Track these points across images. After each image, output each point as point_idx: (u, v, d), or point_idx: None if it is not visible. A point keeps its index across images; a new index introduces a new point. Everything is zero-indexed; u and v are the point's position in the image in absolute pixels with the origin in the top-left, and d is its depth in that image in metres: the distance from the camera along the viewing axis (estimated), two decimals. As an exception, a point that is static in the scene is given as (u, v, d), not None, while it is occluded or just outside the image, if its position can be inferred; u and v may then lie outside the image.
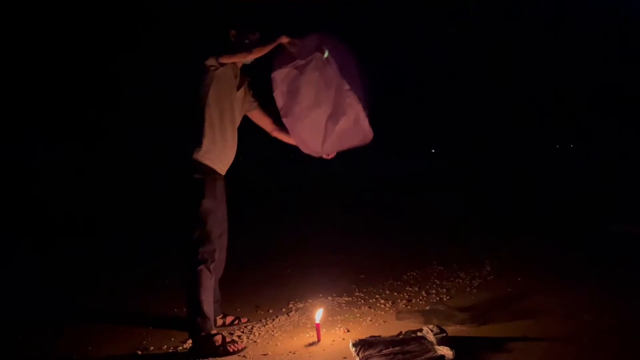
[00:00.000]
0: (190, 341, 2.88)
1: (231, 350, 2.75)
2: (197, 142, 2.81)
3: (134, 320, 3.38)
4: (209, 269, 2.81)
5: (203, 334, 2.77)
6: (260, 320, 3.32)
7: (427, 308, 3.38)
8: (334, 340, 2.92)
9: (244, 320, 3.22)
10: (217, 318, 3.10)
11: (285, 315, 3.39)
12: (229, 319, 3.20)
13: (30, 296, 4.05)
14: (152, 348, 2.92)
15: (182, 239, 2.89)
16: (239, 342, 2.84)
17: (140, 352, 2.87)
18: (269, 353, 2.78)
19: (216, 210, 2.88)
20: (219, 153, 2.87)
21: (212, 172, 2.86)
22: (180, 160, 2.85)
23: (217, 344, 2.75)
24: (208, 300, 2.82)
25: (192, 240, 2.82)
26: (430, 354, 2.46)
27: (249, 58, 2.88)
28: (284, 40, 2.82)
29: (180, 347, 2.92)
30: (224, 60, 2.80)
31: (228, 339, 2.82)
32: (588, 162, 10.37)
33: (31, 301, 3.92)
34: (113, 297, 3.97)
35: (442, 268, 4.28)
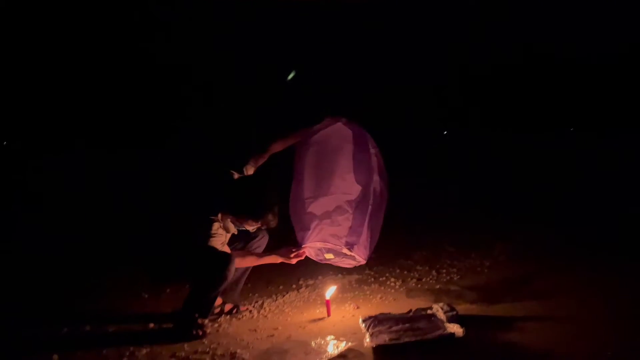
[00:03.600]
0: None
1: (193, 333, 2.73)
2: None
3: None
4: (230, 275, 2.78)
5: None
6: (271, 296, 3.35)
7: (438, 287, 3.38)
8: (343, 317, 2.94)
9: (243, 308, 3.13)
10: (215, 304, 2.99)
11: (296, 292, 3.41)
12: (227, 307, 3.11)
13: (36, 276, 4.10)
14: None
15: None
16: (205, 328, 2.78)
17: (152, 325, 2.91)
18: (279, 327, 2.81)
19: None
20: None
21: None
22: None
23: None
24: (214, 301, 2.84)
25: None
26: (440, 332, 2.47)
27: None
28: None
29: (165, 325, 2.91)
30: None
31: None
32: (605, 146, 10.15)
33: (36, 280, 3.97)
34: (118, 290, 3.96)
35: (453, 249, 4.26)
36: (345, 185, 2.97)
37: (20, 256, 4.59)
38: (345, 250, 2.93)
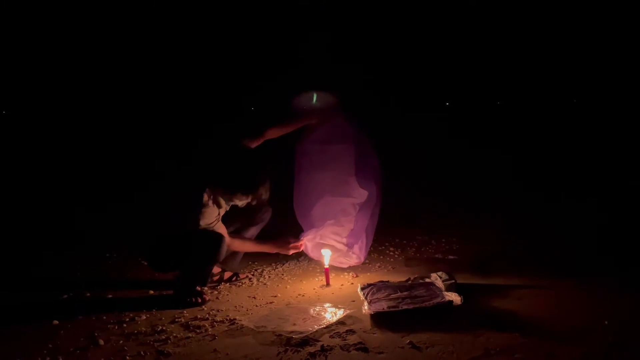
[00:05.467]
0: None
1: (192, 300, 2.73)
2: None
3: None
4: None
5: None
6: (270, 264, 3.36)
7: (437, 256, 3.39)
8: (342, 285, 2.95)
9: (242, 276, 3.15)
10: (214, 272, 3.02)
11: (295, 260, 3.42)
12: (227, 275, 3.12)
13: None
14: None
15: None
16: (204, 295, 2.79)
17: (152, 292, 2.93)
18: (278, 295, 2.82)
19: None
20: None
21: None
22: None
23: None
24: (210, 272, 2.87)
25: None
26: (438, 299, 2.47)
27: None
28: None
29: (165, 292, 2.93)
30: None
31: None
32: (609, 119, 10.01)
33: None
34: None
35: (453, 219, 4.26)
36: (349, 189, 3.08)
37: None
38: (343, 248, 3.08)
